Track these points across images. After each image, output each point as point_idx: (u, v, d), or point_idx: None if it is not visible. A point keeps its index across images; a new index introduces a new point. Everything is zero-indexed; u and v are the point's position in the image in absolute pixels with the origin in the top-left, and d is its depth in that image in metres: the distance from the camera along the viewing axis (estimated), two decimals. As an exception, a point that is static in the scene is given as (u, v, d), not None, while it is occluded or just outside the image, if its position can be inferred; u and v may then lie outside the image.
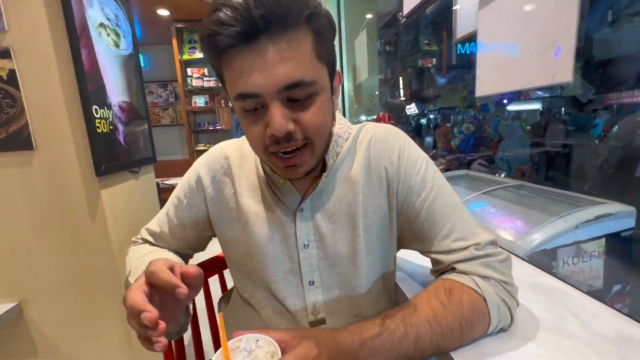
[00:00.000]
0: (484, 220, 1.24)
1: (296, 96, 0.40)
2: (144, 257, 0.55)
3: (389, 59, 5.34)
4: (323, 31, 0.41)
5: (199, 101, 4.08)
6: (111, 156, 0.95)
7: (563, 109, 4.45)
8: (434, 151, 4.20)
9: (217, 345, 0.80)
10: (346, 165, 0.53)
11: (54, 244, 0.89)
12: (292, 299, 0.53)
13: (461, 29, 1.45)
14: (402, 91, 5.56)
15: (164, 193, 2.12)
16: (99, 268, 0.93)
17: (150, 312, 0.35)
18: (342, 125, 0.54)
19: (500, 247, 0.49)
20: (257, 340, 0.37)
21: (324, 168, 0.51)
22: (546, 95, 4.88)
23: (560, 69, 0.59)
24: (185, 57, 3.88)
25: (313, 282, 0.53)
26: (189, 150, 4.14)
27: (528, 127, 4.44)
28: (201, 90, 4.07)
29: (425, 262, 0.59)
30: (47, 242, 0.89)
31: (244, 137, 0.59)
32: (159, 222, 0.61)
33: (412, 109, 5.46)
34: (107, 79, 0.97)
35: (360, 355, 0.39)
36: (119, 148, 1.01)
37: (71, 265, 0.91)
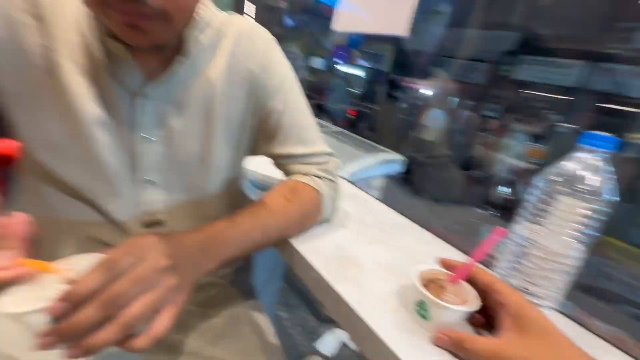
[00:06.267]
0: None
1: None
2: None
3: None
4: None
5: None
6: None
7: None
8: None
9: None
10: (207, 57, 0.46)
11: None
12: (119, 199, 0.45)
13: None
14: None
15: None
16: None
17: None
18: (205, 5, 0.45)
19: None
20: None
21: (179, 49, 0.42)
22: (369, 66, 5.81)
23: (400, 24, 0.73)
24: None
25: (154, 182, 0.46)
26: None
27: (354, 90, 5.21)
28: None
29: (271, 173, 0.65)
30: None
31: None
32: None
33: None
34: None
35: (210, 246, 0.38)
36: None
37: None
